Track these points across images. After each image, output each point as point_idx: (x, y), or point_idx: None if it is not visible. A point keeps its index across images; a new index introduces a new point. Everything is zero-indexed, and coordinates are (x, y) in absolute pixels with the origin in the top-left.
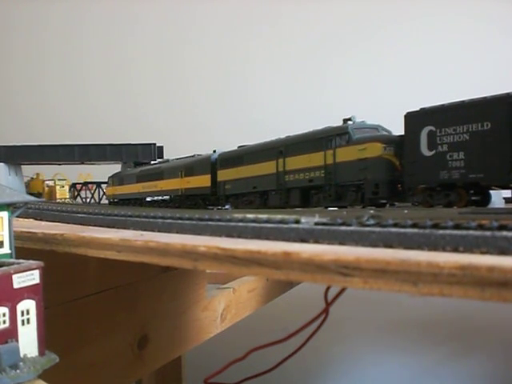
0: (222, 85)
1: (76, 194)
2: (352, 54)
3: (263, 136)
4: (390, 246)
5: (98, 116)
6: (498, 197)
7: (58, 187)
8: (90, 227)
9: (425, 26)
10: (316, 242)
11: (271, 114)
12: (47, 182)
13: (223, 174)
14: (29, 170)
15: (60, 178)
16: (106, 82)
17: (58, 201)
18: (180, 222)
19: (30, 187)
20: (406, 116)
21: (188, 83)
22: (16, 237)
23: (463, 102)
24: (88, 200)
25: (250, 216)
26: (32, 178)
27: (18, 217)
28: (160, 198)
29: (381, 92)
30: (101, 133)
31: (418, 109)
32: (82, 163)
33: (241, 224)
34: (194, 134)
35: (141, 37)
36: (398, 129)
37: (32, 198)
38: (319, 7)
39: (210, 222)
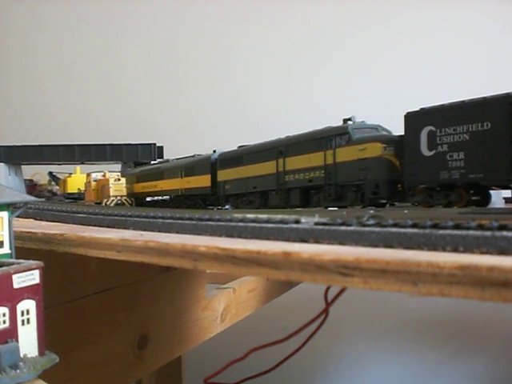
0: (221, 85)
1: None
2: (352, 53)
3: (263, 136)
4: (390, 246)
5: (98, 116)
6: (498, 197)
7: (111, 181)
8: (90, 227)
9: (426, 25)
10: (316, 242)
11: (271, 114)
12: (94, 176)
13: (223, 174)
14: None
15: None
16: (105, 83)
17: (112, 200)
18: (180, 222)
19: (68, 185)
20: (405, 116)
21: (188, 83)
22: (16, 237)
23: (463, 101)
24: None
25: (250, 216)
26: (70, 174)
27: (18, 217)
28: (160, 198)
29: (381, 92)
30: (101, 133)
31: (418, 109)
32: (82, 163)
33: (241, 224)
34: (194, 134)
35: (140, 37)
36: (398, 129)
37: (32, 198)
38: (318, 4)
39: (210, 222)
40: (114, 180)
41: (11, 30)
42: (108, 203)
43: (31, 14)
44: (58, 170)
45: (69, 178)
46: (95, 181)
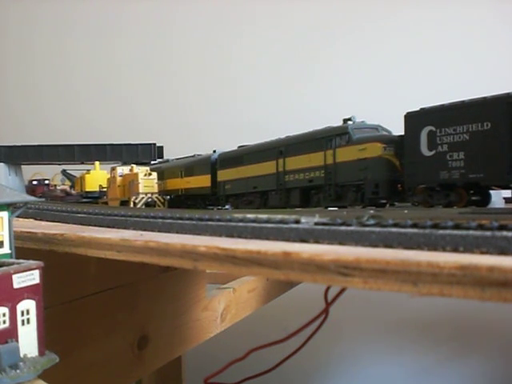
0: (221, 85)
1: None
2: (352, 53)
3: (263, 136)
4: (390, 246)
5: (98, 116)
6: (498, 197)
7: (140, 175)
8: (90, 227)
9: (425, 24)
10: (316, 242)
11: (271, 114)
12: (120, 170)
13: (223, 174)
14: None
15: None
16: (105, 83)
17: (141, 198)
18: (180, 222)
19: (87, 183)
20: (405, 116)
21: (188, 84)
22: (16, 237)
23: (463, 102)
24: None
25: (250, 216)
26: (88, 171)
27: (18, 217)
28: None
29: (381, 92)
30: (101, 133)
31: (418, 109)
32: (82, 163)
33: (241, 224)
34: (194, 134)
35: (139, 37)
36: (398, 129)
37: (32, 198)
38: (317, 3)
39: (209, 222)
40: (144, 174)
41: (10, 30)
42: (137, 202)
43: (30, 14)
44: (73, 167)
45: (87, 175)
46: (121, 176)
